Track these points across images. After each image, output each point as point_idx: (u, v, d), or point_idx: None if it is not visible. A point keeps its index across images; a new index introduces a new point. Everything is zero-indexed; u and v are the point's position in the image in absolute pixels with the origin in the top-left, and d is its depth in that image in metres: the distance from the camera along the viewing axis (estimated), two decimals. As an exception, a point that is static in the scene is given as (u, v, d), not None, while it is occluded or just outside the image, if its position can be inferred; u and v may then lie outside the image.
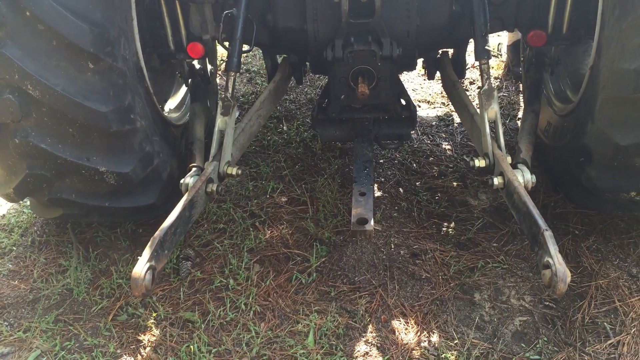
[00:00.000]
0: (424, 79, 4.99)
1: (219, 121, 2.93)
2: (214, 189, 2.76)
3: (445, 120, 4.43)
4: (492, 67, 5.02)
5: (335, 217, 3.40)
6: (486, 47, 2.87)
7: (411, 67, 3.43)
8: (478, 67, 2.92)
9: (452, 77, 3.43)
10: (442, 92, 4.76)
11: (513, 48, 4.70)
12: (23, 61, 2.39)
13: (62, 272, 3.15)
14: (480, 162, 2.80)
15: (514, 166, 2.76)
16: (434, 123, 4.40)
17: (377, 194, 3.63)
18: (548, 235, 2.19)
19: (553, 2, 3.09)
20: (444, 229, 3.35)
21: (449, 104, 4.63)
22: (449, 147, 4.10)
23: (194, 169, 2.95)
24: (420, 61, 3.80)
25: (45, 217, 3.32)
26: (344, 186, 3.67)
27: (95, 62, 2.53)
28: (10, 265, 3.23)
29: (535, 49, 3.43)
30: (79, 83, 2.52)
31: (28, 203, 3.45)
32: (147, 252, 2.24)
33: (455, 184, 3.69)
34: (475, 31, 2.88)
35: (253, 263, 3.15)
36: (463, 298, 2.91)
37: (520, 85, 4.56)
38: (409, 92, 4.70)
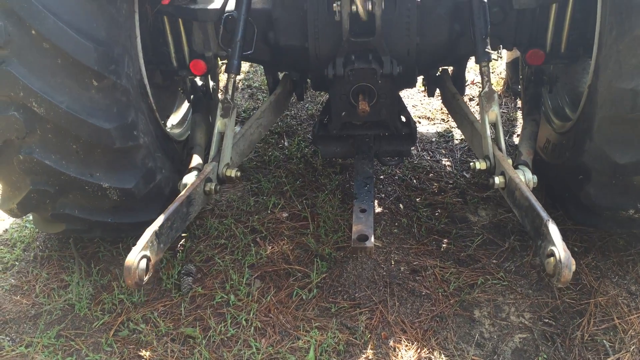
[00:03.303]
0: (424, 95, 5.03)
1: (219, 123, 2.96)
2: (212, 187, 2.78)
3: (445, 136, 4.46)
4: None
5: (335, 233, 3.42)
6: (486, 50, 2.91)
7: (411, 84, 3.46)
8: (479, 69, 2.94)
9: (451, 89, 3.47)
10: (442, 109, 4.79)
11: (512, 65, 4.73)
12: (28, 79, 2.43)
13: (64, 287, 3.17)
14: (480, 165, 2.82)
15: (515, 167, 2.79)
16: (434, 139, 4.43)
17: (378, 210, 3.65)
18: (551, 225, 2.21)
19: (551, 21, 3.14)
20: (443, 245, 3.37)
21: (448, 120, 4.66)
22: (448, 163, 4.13)
23: (193, 170, 2.97)
24: (420, 78, 3.84)
25: (48, 232, 3.34)
26: (344, 202, 3.69)
27: (100, 80, 2.57)
28: (13, 280, 3.25)
29: (534, 67, 3.47)
30: (83, 100, 2.56)
31: (31, 218, 3.47)
32: (141, 242, 2.26)
33: (455, 200, 3.71)
34: (476, 34, 2.92)
35: (254, 279, 3.16)
36: (463, 315, 2.92)
37: (519, 102, 4.59)
38: (409, 108, 4.74)
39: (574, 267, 2.07)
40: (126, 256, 3.26)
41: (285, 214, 3.64)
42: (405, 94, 5.04)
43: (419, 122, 4.67)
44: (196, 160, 3.10)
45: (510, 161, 2.77)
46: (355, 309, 2.96)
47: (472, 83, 5.18)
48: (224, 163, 2.91)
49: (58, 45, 2.42)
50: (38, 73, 2.45)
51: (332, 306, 2.97)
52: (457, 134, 4.46)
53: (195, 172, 2.92)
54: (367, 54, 3.03)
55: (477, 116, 3.12)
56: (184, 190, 2.67)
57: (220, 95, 3.77)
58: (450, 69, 3.71)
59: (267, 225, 3.52)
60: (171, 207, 2.52)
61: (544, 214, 2.29)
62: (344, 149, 3.44)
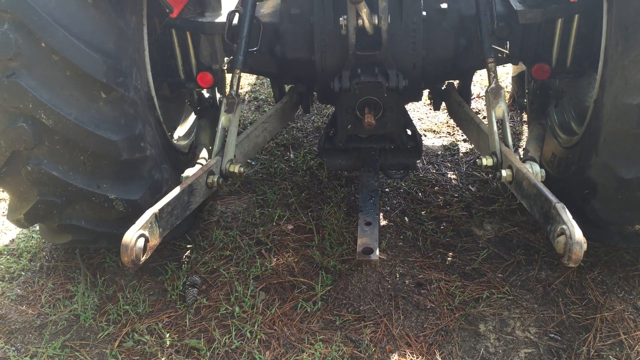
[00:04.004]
0: (430, 109, 5.03)
1: (223, 118, 2.96)
2: (215, 180, 2.78)
3: (450, 149, 4.46)
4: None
5: (341, 246, 3.42)
6: (493, 46, 2.90)
7: (417, 98, 3.48)
8: (486, 66, 2.93)
9: (457, 98, 3.47)
10: (447, 122, 4.80)
11: (518, 79, 4.74)
12: (37, 91, 2.45)
13: (69, 298, 3.17)
14: (487, 161, 2.81)
15: (522, 162, 2.77)
16: (439, 152, 4.44)
17: (383, 222, 3.65)
18: (560, 207, 2.21)
19: (557, 36, 3.15)
20: (449, 258, 3.36)
21: (454, 134, 4.67)
22: (454, 176, 4.13)
23: (196, 165, 2.98)
24: (426, 92, 3.85)
25: (54, 243, 3.35)
26: (350, 214, 3.69)
27: (108, 92, 2.59)
28: (19, 290, 3.26)
29: (540, 81, 3.48)
30: (91, 112, 2.58)
31: (37, 228, 3.49)
32: (140, 221, 2.26)
33: (460, 213, 3.71)
34: (482, 30, 2.92)
35: (259, 291, 3.16)
36: (468, 329, 2.91)
37: (525, 115, 4.59)
38: (415, 121, 4.76)
39: (585, 245, 2.04)
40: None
41: (290, 226, 3.64)
42: (411, 107, 5.06)
43: (425, 135, 4.68)
44: (200, 155, 3.11)
45: (517, 156, 2.76)
46: (360, 322, 2.95)
47: (478, 96, 5.19)
48: (228, 158, 2.90)
49: (67, 57, 2.44)
50: (47, 85, 2.47)
51: (337, 319, 2.97)
52: (463, 147, 4.47)
53: (198, 166, 2.93)
54: (373, 67, 3.04)
55: (484, 119, 3.09)
56: (186, 180, 2.67)
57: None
58: (456, 82, 3.72)
59: (272, 237, 3.53)
60: (172, 193, 2.53)
61: (552, 197, 2.29)
62: (349, 161, 3.45)
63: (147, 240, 2.26)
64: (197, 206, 2.76)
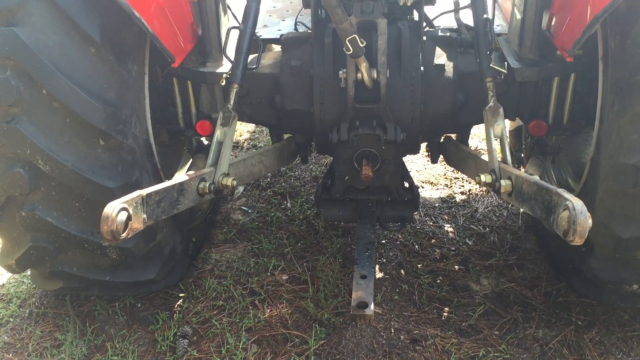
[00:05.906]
0: (428, 160, 5.05)
1: (218, 132, 2.95)
2: (206, 186, 2.74)
3: (448, 202, 4.46)
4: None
5: (335, 298, 3.37)
6: (491, 65, 2.92)
7: (415, 151, 3.49)
8: (485, 86, 2.92)
9: (453, 142, 3.48)
10: (445, 174, 4.82)
11: (515, 133, 4.78)
12: (36, 137, 2.46)
13: (57, 347, 3.10)
14: (486, 178, 2.76)
15: None
16: (436, 204, 4.43)
17: (379, 275, 3.61)
18: (562, 190, 2.18)
19: (554, 93, 3.18)
20: (445, 314, 3.31)
21: (452, 186, 4.67)
22: (451, 229, 4.11)
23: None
24: (423, 145, 3.86)
25: (45, 289, 3.30)
26: (345, 266, 3.65)
27: (106, 140, 2.60)
28: (6, 337, 3.19)
29: (537, 137, 3.50)
30: (89, 159, 2.58)
31: (29, 273, 3.44)
32: (124, 197, 2.21)
33: (457, 267, 3.68)
34: (480, 50, 2.95)
35: (251, 343, 3.10)
36: (464, 388, 2.85)
37: (522, 169, 4.61)
38: (413, 173, 4.76)
39: (590, 220, 2.00)
40: (123, 316, 3.25)
41: (285, 277, 3.60)
42: (409, 159, 5.07)
43: (422, 187, 4.68)
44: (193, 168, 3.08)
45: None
46: (354, 379, 2.89)
47: (476, 149, 5.22)
48: (221, 171, 2.87)
49: (67, 105, 2.46)
50: (46, 131, 2.48)
51: (330, 375, 2.90)
52: (460, 199, 4.46)
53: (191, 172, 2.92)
54: (372, 120, 3.07)
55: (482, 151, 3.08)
56: (179, 178, 2.64)
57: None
58: (454, 135, 3.73)
59: (266, 288, 3.48)
60: (162, 184, 2.49)
61: (552, 187, 2.27)
62: (346, 213, 3.44)
63: (129, 218, 2.19)
64: (184, 209, 2.69)
